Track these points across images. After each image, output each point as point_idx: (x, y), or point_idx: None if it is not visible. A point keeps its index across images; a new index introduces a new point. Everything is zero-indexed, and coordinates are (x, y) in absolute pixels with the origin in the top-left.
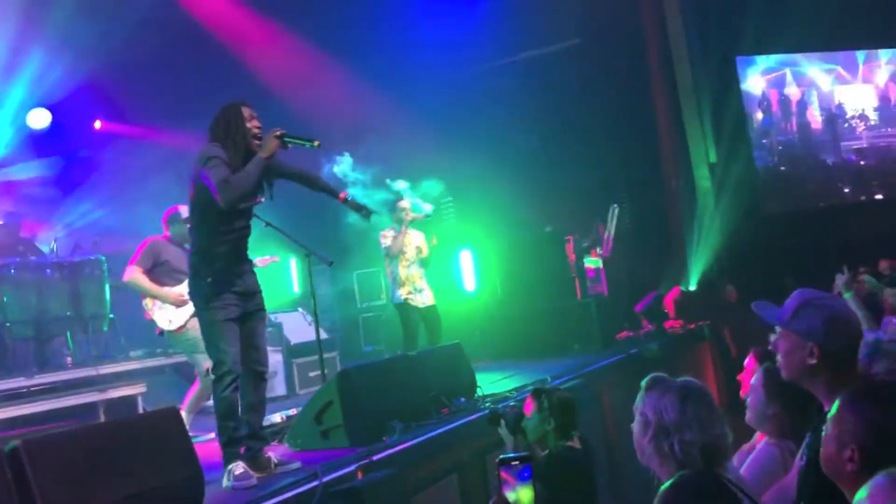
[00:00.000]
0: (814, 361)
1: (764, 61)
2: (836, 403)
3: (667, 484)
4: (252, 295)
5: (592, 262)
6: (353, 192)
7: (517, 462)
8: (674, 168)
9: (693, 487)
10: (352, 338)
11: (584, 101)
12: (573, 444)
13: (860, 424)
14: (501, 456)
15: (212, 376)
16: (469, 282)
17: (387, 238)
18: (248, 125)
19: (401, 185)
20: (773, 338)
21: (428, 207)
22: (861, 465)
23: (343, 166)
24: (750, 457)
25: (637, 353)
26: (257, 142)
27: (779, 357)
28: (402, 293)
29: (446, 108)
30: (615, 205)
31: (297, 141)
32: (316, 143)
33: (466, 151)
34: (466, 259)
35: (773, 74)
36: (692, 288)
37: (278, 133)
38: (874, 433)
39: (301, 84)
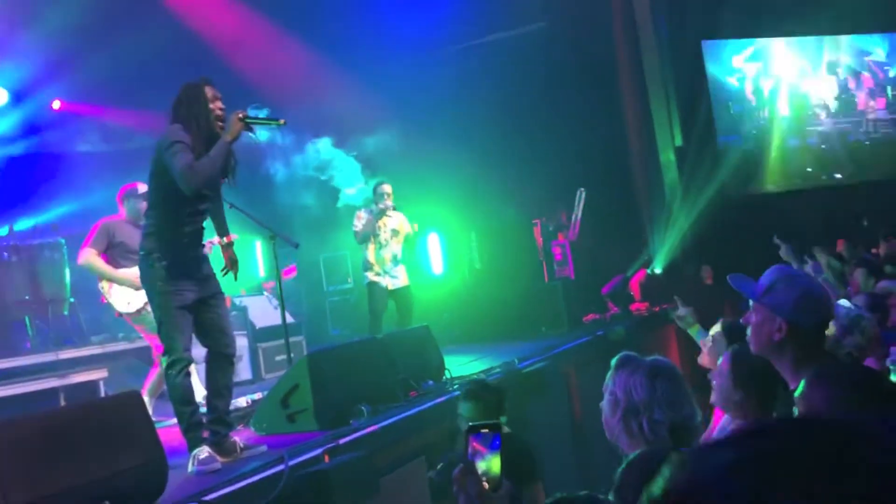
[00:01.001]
0: (781, 336)
1: (736, 50)
2: (802, 383)
3: (628, 459)
4: (208, 279)
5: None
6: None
7: (487, 430)
8: (640, 151)
9: (654, 462)
10: (319, 322)
11: (550, 85)
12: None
13: (825, 403)
14: (471, 423)
15: (163, 363)
16: (437, 265)
17: (360, 220)
18: (212, 106)
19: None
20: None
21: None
22: None
23: (321, 146)
24: (716, 434)
25: (603, 335)
26: (220, 124)
27: (748, 331)
28: (369, 274)
29: (412, 91)
30: (581, 189)
31: (261, 121)
32: (281, 122)
33: (433, 134)
34: (434, 242)
35: (749, 65)
36: (658, 271)
37: (241, 115)
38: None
39: (265, 65)
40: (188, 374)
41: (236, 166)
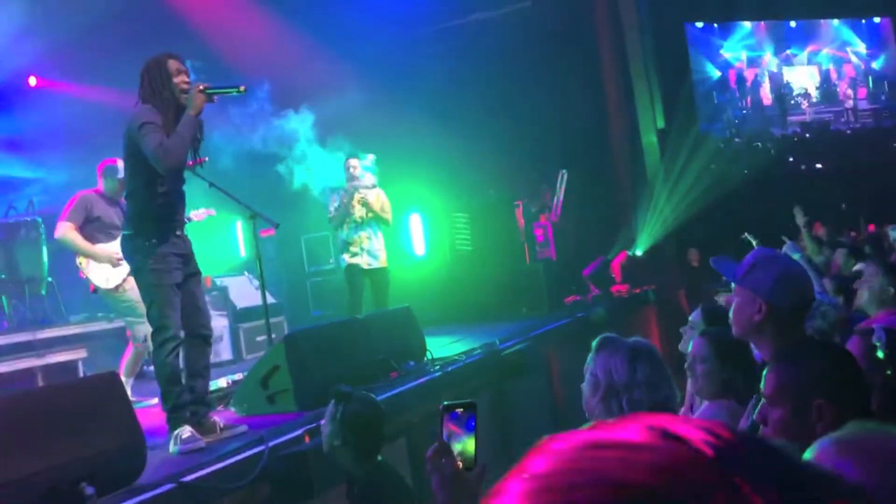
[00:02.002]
0: (760, 318)
1: (721, 38)
2: (764, 373)
3: None
4: (191, 256)
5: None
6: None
7: (462, 409)
8: (622, 133)
9: None
10: (299, 303)
11: (533, 65)
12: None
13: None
14: (446, 402)
15: (150, 342)
16: (419, 246)
17: (333, 204)
18: (176, 80)
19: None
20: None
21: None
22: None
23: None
24: (695, 415)
25: (584, 316)
26: (185, 96)
27: (730, 313)
28: (346, 256)
29: (393, 70)
30: (563, 170)
31: (223, 91)
32: (242, 89)
33: (414, 114)
34: (416, 223)
35: (731, 55)
36: (639, 253)
37: (202, 87)
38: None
39: (243, 41)
40: (178, 355)
41: (202, 141)
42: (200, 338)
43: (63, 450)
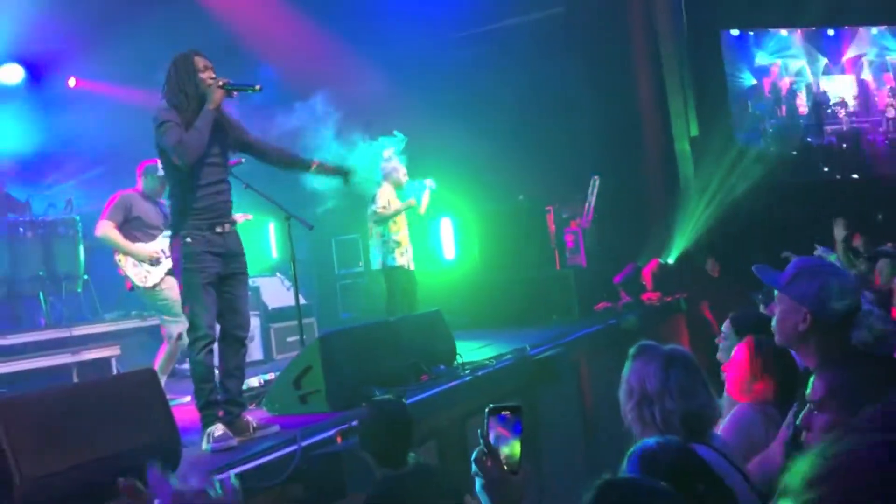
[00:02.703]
0: (805, 327)
1: (757, 46)
2: (811, 380)
3: (632, 450)
4: (234, 256)
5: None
6: (325, 157)
7: (509, 412)
8: (655, 140)
9: (648, 453)
10: (329, 304)
11: (565, 71)
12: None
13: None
14: (492, 405)
15: (185, 339)
16: (448, 250)
17: (383, 198)
18: (202, 76)
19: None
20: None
21: (429, 182)
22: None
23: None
24: (727, 417)
25: (616, 323)
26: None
27: (773, 322)
28: (396, 255)
29: (426, 75)
30: (596, 176)
31: (240, 87)
32: (257, 88)
33: (446, 119)
34: (446, 227)
35: (768, 62)
36: (671, 261)
37: (221, 83)
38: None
39: (280, 45)
40: (210, 352)
41: (228, 138)
42: (235, 338)
43: (102, 444)
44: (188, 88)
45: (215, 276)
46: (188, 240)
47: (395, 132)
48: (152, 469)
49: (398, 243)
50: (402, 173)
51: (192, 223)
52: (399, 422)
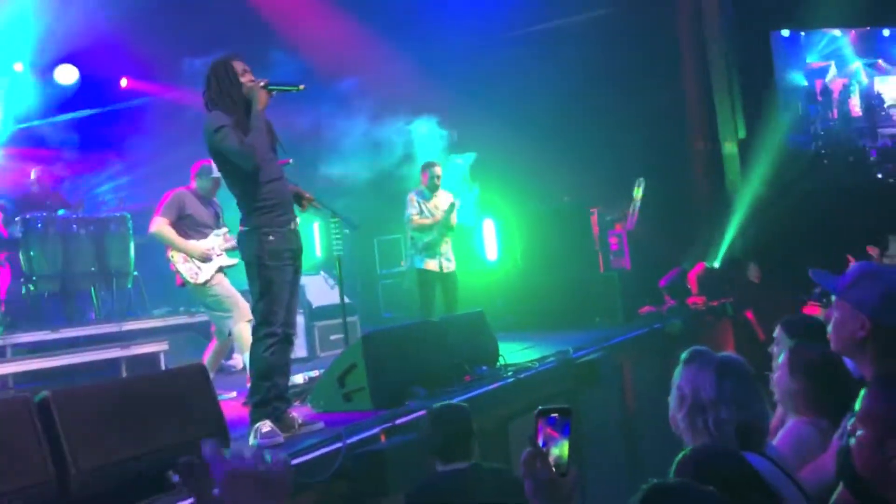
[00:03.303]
0: (863, 334)
1: (808, 48)
2: (862, 393)
3: (683, 453)
4: (300, 253)
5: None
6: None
7: (558, 414)
8: (702, 143)
9: (702, 460)
10: (371, 304)
11: (611, 72)
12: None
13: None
14: (541, 407)
15: (244, 334)
16: (491, 251)
17: (413, 204)
18: (242, 80)
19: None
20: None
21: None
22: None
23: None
24: (781, 432)
25: (660, 328)
26: (251, 93)
27: (829, 328)
28: (422, 258)
29: (472, 76)
30: (641, 178)
31: (283, 88)
32: (300, 87)
33: (490, 119)
34: (489, 228)
35: (818, 64)
36: (716, 265)
37: (263, 83)
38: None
39: (326, 49)
40: (275, 351)
41: (272, 135)
42: (285, 336)
43: (153, 437)
44: (233, 93)
45: (292, 273)
46: (270, 237)
47: (464, 154)
48: (206, 444)
49: (427, 246)
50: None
51: (270, 219)
52: (462, 422)
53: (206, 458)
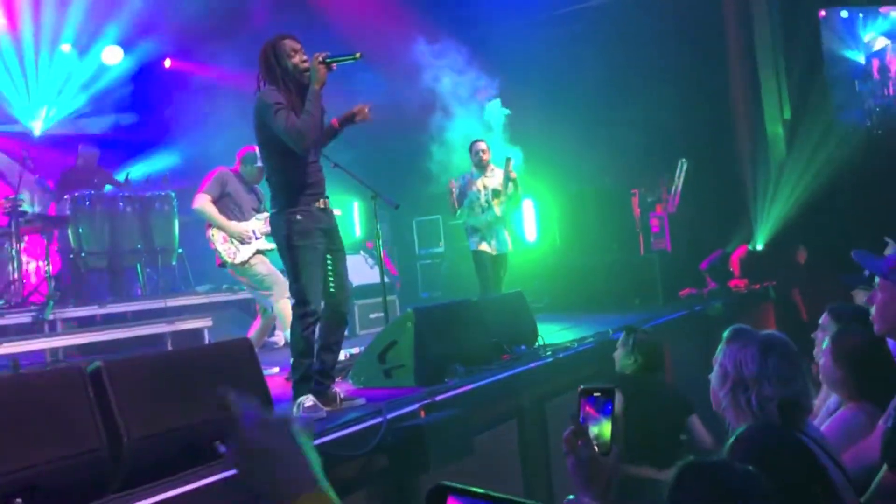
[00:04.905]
0: None
1: (862, 24)
2: None
3: (735, 434)
4: (335, 232)
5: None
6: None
7: (600, 394)
8: (746, 123)
9: (764, 441)
10: (409, 284)
11: (655, 51)
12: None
13: None
14: (583, 386)
15: (284, 312)
16: (530, 232)
17: (453, 193)
18: (295, 61)
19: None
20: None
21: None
22: None
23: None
24: (831, 418)
25: (701, 310)
26: (308, 74)
27: (872, 310)
28: (474, 240)
29: (512, 56)
30: (683, 160)
31: (341, 59)
32: (358, 55)
33: (529, 99)
34: (528, 209)
35: (874, 42)
36: (759, 247)
37: (321, 58)
38: None
39: (368, 28)
40: (314, 330)
41: (324, 115)
42: (338, 315)
43: (200, 409)
44: (286, 75)
45: (324, 252)
46: (298, 217)
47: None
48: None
49: (474, 229)
50: (486, 154)
51: (301, 199)
52: (657, 341)
53: (235, 403)
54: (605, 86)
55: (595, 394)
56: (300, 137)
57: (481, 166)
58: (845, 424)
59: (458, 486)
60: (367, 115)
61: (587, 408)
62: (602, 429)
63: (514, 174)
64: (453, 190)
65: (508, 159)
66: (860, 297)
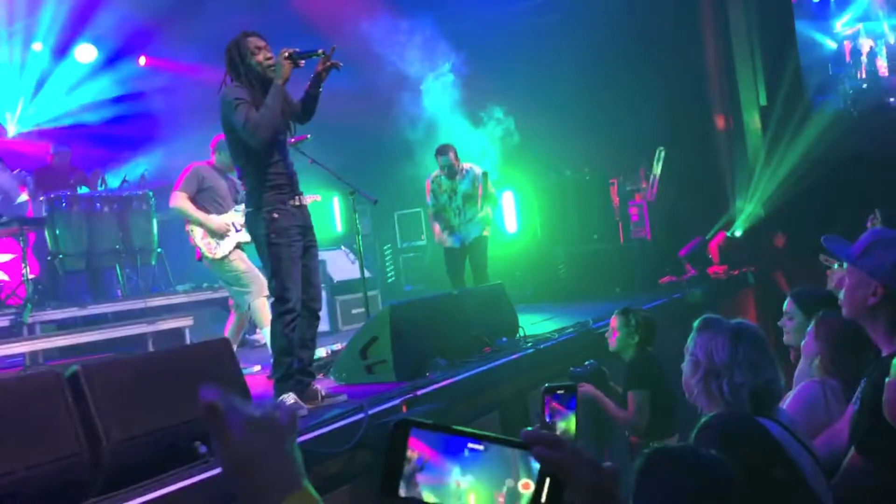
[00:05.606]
0: (875, 301)
1: (834, 10)
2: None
3: (701, 422)
4: (310, 230)
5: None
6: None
7: (563, 391)
8: (722, 110)
9: (726, 427)
10: (393, 277)
11: (630, 40)
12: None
13: None
14: (547, 385)
15: (261, 309)
16: (510, 223)
17: (428, 192)
18: (258, 58)
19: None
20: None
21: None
22: None
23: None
24: (791, 393)
25: (681, 297)
26: (272, 69)
27: (841, 294)
28: (445, 238)
29: (489, 44)
30: (661, 148)
31: (306, 55)
32: (320, 52)
33: (508, 89)
34: (508, 200)
35: (846, 27)
36: (738, 234)
37: (287, 54)
38: None
39: (344, 20)
40: (295, 328)
41: (288, 111)
42: (310, 311)
43: (180, 410)
44: (249, 72)
45: (301, 249)
46: (275, 215)
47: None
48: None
49: (447, 227)
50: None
51: (276, 198)
52: (653, 318)
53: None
54: (582, 76)
55: (559, 391)
56: (255, 130)
57: (452, 173)
58: (803, 398)
59: (421, 420)
60: (331, 61)
61: (553, 403)
62: (569, 423)
63: (491, 189)
64: (428, 191)
65: (485, 174)
66: (834, 277)
